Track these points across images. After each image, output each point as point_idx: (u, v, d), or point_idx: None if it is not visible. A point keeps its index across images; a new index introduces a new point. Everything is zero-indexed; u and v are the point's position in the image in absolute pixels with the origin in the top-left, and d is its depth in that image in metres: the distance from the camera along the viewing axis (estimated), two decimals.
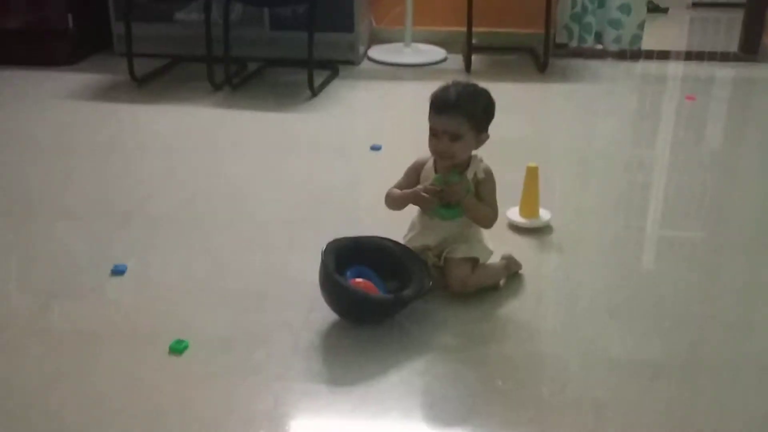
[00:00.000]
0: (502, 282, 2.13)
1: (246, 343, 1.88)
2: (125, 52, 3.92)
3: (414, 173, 2.12)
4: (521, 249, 2.29)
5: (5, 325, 1.95)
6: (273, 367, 1.79)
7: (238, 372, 1.78)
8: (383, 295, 1.95)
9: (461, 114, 1.96)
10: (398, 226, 2.17)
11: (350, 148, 3.19)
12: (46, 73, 4.09)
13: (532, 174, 2.44)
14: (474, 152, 2.07)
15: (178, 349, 1.83)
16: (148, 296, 2.09)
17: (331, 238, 2.04)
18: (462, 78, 2.21)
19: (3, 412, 1.64)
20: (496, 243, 2.16)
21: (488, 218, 2.07)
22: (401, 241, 2.13)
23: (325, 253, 1.95)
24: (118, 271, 2.18)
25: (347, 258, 1.99)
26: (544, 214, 2.46)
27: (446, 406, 1.68)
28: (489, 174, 2.07)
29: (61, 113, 3.57)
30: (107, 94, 3.84)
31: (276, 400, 1.69)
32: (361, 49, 4.48)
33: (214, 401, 1.68)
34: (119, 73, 4.02)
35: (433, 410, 1.68)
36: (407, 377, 1.77)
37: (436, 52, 4.55)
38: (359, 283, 1.94)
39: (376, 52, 4.56)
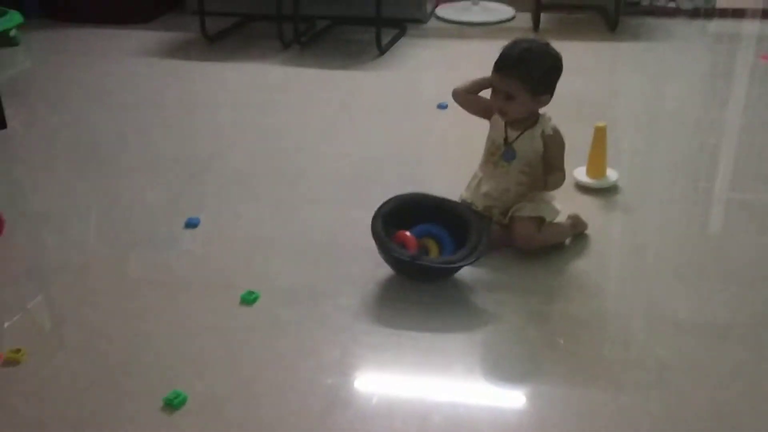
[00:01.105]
0: (567, 241, 2.13)
1: (314, 295, 1.94)
2: (197, 11, 3.99)
3: (483, 101, 2.12)
4: (587, 209, 2.28)
5: (85, 271, 2.06)
6: (340, 319, 1.85)
7: (306, 323, 1.84)
8: (430, 260, 1.96)
9: (515, 74, 1.97)
10: (463, 184, 2.19)
11: (417, 106, 3.20)
12: (122, 31, 4.19)
13: (600, 133, 2.41)
14: (542, 111, 2.07)
15: (249, 299, 1.90)
16: (219, 248, 2.16)
17: (395, 194, 2.08)
18: (530, 37, 2.18)
19: (82, 352, 1.74)
20: (562, 202, 2.16)
21: (554, 182, 2.08)
22: (463, 193, 2.15)
23: (378, 212, 2.00)
24: (191, 224, 2.26)
25: (408, 215, 2.02)
26: (612, 174, 2.44)
27: (509, 363, 1.71)
28: (557, 133, 2.07)
29: (137, 70, 3.66)
30: (179, 51, 3.92)
31: (343, 352, 1.74)
32: (429, 7, 4.45)
33: (284, 350, 1.75)
34: (191, 31, 4.10)
35: (497, 366, 1.71)
36: (471, 333, 1.81)
37: (503, 11, 4.50)
38: (407, 238, 1.97)
39: (444, 10, 4.53)
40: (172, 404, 1.55)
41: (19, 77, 3.59)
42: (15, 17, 3.91)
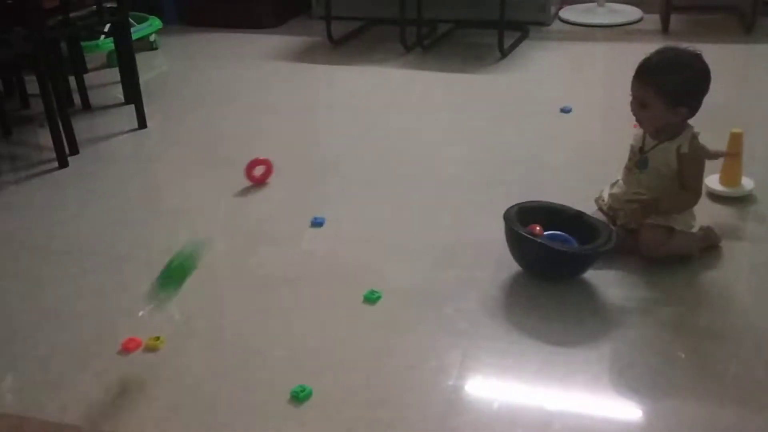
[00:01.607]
0: (696, 253, 2.06)
1: (435, 297, 1.95)
2: (324, 15, 4.09)
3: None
4: (720, 218, 2.20)
5: (214, 267, 2.14)
6: (461, 323, 1.86)
7: (427, 324, 1.86)
8: (567, 247, 1.94)
9: (649, 83, 1.93)
10: (581, 189, 2.16)
11: (539, 110, 3.17)
12: (252, 35, 4.36)
13: (735, 140, 2.32)
14: (690, 122, 2.01)
15: (372, 298, 1.94)
16: (344, 247, 2.22)
17: (518, 200, 2.07)
18: (658, 40, 2.12)
19: (214, 343, 1.83)
20: (694, 210, 2.08)
21: (682, 205, 2.02)
22: (605, 189, 2.14)
23: (509, 212, 2.00)
24: (317, 223, 2.33)
25: (533, 221, 2.01)
26: (747, 183, 2.34)
27: (635, 375, 1.67)
28: (695, 151, 1.99)
29: (264, 73, 3.80)
30: (305, 55, 4.04)
31: (464, 355, 1.75)
32: (552, 9, 4.39)
33: (405, 351, 1.77)
34: (317, 35, 4.21)
35: (621, 377, 1.67)
36: (594, 341, 1.78)
37: (630, 12, 4.38)
38: (537, 229, 1.96)
39: (568, 12, 4.46)
40: (299, 397, 1.61)
41: (157, 80, 3.79)
42: (155, 23, 4.14)
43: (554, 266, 1.97)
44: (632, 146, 2.08)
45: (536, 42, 4.05)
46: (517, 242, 1.97)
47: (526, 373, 1.70)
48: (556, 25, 4.38)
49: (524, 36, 4.10)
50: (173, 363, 1.76)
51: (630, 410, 1.60)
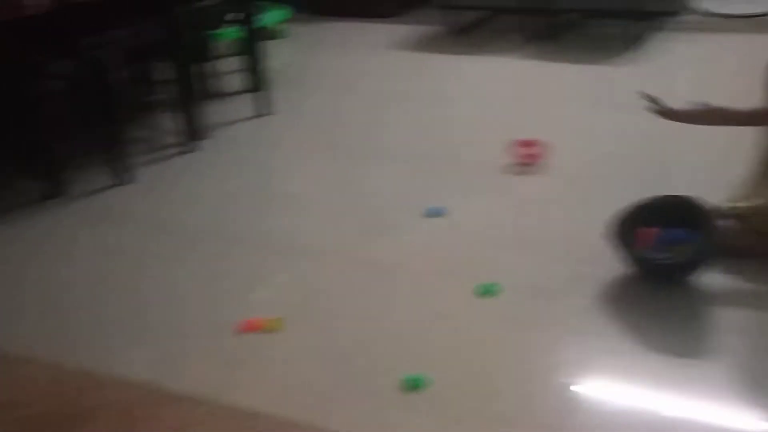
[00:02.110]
0: None
1: (552, 293, 1.91)
2: (445, 5, 4.07)
3: (744, 111, 1.95)
4: None
5: (331, 252, 2.18)
6: (580, 320, 1.80)
7: (543, 320, 1.82)
8: (666, 256, 1.87)
9: None
10: (704, 184, 2.05)
11: (670, 104, 3.02)
12: (376, 24, 4.39)
13: None
14: None
15: (488, 291, 1.91)
16: (461, 238, 2.20)
17: (640, 196, 1.99)
18: None
19: (330, 327, 1.85)
20: None
21: None
22: (731, 197, 2.02)
23: (622, 213, 1.93)
24: (434, 213, 2.31)
25: (650, 218, 1.93)
26: None
27: (763, 386, 1.57)
28: None
29: (385, 62, 3.82)
30: (426, 44, 4.03)
31: (579, 353, 1.70)
32: None
33: (520, 345, 1.74)
34: (438, 24, 4.19)
35: (751, 388, 1.58)
36: (723, 349, 1.68)
37: None
38: (644, 233, 1.88)
39: (704, 1, 4.24)
40: (411, 386, 1.61)
41: (285, 68, 3.87)
42: (282, 12, 4.23)
43: (654, 274, 1.89)
44: (766, 148, 1.94)
45: (668, 33, 3.88)
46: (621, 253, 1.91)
47: (644, 376, 1.63)
48: (690, 15, 4.17)
49: (655, 26, 3.93)
50: (290, 345, 1.80)
51: (755, 424, 1.51)
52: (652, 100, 2.01)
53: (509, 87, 3.38)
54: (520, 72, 3.55)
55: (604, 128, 2.86)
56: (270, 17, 4.13)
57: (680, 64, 3.50)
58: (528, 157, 2.55)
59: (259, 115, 3.22)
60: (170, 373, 1.72)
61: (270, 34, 4.19)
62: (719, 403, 1.55)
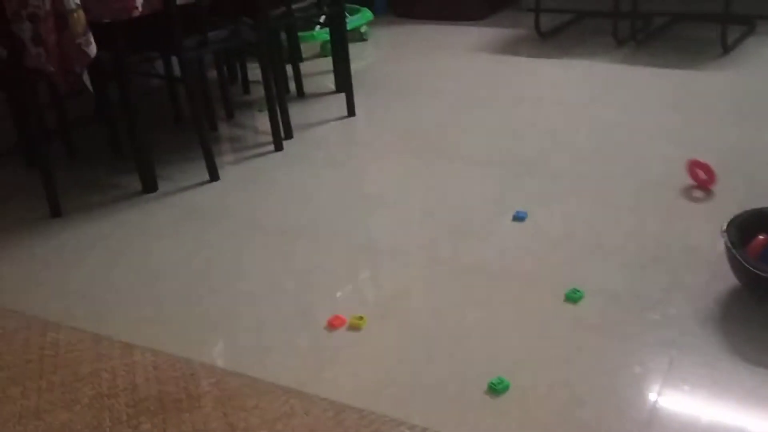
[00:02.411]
0: None
1: (641, 301, 1.88)
2: (533, 8, 4.04)
3: None
4: None
5: (415, 253, 2.20)
6: (668, 330, 1.77)
7: (631, 328, 1.79)
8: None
9: None
10: None
11: (765, 112, 2.94)
12: (460, 27, 4.40)
13: None
14: None
15: (574, 297, 1.90)
16: (545, 243, 2.18)
17: (732, 208, 1.94)
18: None
19: (414, 328, 1.87)
20: None
21: None
22: None
23: (728, 225, 1.86)
24: (519, 217, 2.31)
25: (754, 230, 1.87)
26: None
27: None
28: None
29: (470, 65, 3.81)
30: (512, 47, 4.01)
31: (669, 364, 1.67)
32: None
33: (607, 352, 1.72)
34: (525, 27, 4.17)
35: None
36: None
37: None
38: (756, 241, 1.82)
39: None
40: (496, 389, 1.61)
41: (366, 70, 3.92)
42: (366, 15, 4.28)
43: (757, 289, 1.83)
44: None
45: (764, 37, 3.76)
46: (730, 260, 1.85)
47: (736, 393, 1.59)
48: None
49: (751, 31, 3.82)
50: (374, 342, 1.82)
51: None
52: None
53: (596, 91, 3.33)
54: (608, 76, 3.50)
55: (694, 134, 2.79)
56: (356, 20, 4.19)
57: None
58: (703, 182, 2.41)
59: (343, 117, 3.27)
60: (264, 364, 1.77)
61: (355, 37, 4.25)
62: None
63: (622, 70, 3.54)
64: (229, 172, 2.83)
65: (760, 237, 1.84)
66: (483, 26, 4.40)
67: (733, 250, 1.81)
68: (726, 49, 3.56)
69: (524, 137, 2.95)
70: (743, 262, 1.78)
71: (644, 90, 3.30)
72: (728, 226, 1.88)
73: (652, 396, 1.59)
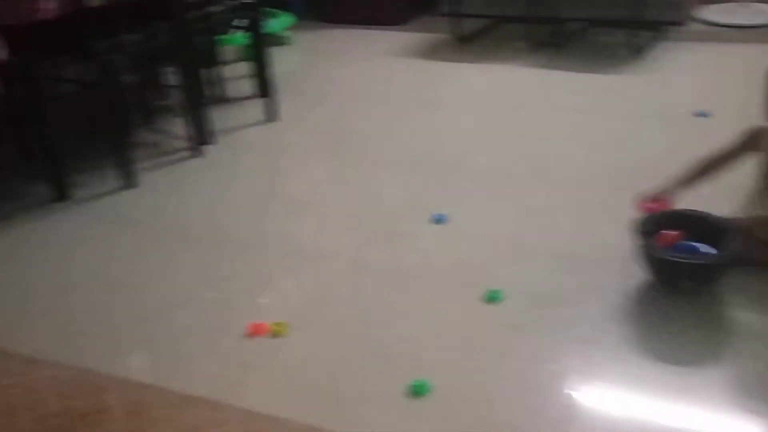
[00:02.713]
0: None
1: (557, 300, 1.92)
2: (451, 13, 4.09)
3: (752, 142, 1.99)
4: None
5: (337, 257, 2.20)
6: (582, 329, 1.82)
7: (548, 328, 1.83)
8: (690, 258, 1.88)
9: None
10: (714, 196, 2.07)
11: (672, 114, 3.05)
12: (380, 32, 4.41)
13: None
14: None
15: (493, 298, 1.93)
16: (465, 245, 2.21)
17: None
18: None
19: (335, 333, 1.87)
20: None
21: None
22: (734, 210, 2.03)
23: (639, 222, 1.94)
24: (438, 220, 2.33)
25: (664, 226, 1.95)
26: None
27: (763, 395, 1.59)
28: None
29: (391, 70, 3.84)
30: (432, 52, 4.05)
31: (584, 361, 1.72)
32: (689, 9, 4.21)
33: (525, 353, 1.75)
34: (445, 32, 4.21)
35: (756, 397, 1.59)
36: (729, 361, 1.70)
37: None
38: (665, 235, 1.90)
39: (707, 12, 4.26)
40: (417, 392, 1.63)
41: (289, 74, 3.89)
42: (287, 19, 4.26)
43: (673, 277, 1.90)
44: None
45: (671, 42, 3.90)
46: (642, 255, 1.92)
47: (647, 385, 1.64)
48: (695, 25, 4.19)
49: (659, 36, 3.96)
50: (295, 349, 1.82)
51: None
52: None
53: (513, 95, 3.40)
54: (525, 80, 3.57)
55: (608, 136, 2.88)
56: (276, 24, 4.16)
57: (683, 74, 3.52)
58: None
59: (265, 121, 3.24)
60: (180, 375, 1.74)
61: (276, 41, 4.22)
62: (721, 411, 1.56)
63: (539, 74, 3.62)
64: (147, 179, 2.77)
65: (675, 232, 1.91)
66: (403, 31, 4.42)
67: (642, 241, 1.89)
68: (636, 53, 3.68)
69: (445, 140, 2.98)
70: (647, 247, 1.87)
71: (561, 93, 3.38)
72: (644, 222, 1.95)
73: (567, 392, 1.63)
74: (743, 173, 2.05)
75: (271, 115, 3.25)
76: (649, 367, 1.69)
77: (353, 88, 3.64)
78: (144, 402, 1.65)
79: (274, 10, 4.23)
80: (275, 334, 1.86)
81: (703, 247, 1.90)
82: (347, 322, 1.92)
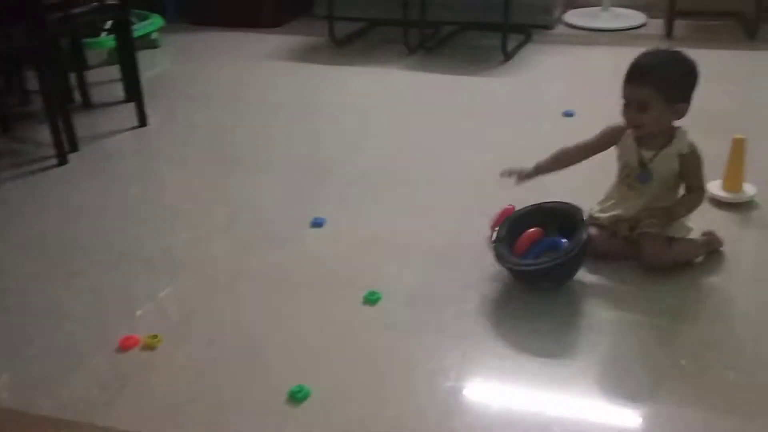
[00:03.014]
0: (698, 259, 2.05)
1: (435, 298, 1.95)
2: (326, 15, 4.08)
3: (608, 139, 2.08)
4: (722, 224, 2.19)
5: (213, 265, 2.15)
6: (460, 324, 1.85)
7: (426, 326, 1.85)
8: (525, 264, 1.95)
9: (649, 83, 1.91)
10: (584, 192, 2.16)
11: (542, 114, 3.16)
12: (255, 34, 4.35)
13: (737, 146, 2.31)
14: (679, 125, 2.00)
15: (371, 299, 1.93)
16: (343, 248, 2.21)
17: (520, 202, 2.07)
18: (662, 44, 2.12)
19: (212, 342, 1.82)
20: (696, 216, 2.08)
21: (693, 202, 2.02)
22: (594, 207, 2.11)
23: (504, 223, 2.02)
24: (316, 224, 2.32)
25: (523, 226, 2.02)
26: (749, 189, 2.33)
27: (632, 381, 1.66)
28: (693, 150, 1.99)
29: (266, 73, 3.79)
30: (308, 55, 4.03)
31: (462, 357, 1.74)
32: (556, 13, 4.39)
33: (404, 352, 1.76)
34: (320, 35, 4.20)
35: (619, 384, 1.66)
36: (595, 347, 1.77)
37: (635, 17, 4.37)
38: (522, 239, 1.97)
39: (572, 16, 4.45)
40: (296, 398, 1.60)
41: (159, 78, 3.78)
42: (156, 21, 4.13)
43: (531, 280, 1.97)
44: (626, 162, 2.05)
45: (540, 45, 4.05)
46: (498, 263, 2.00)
47: (524, 376, 1.69)
48: (560, 28, 4.37)
49: (528, 39, 4.10)
50: (171, 361, 1.75)
51: (628, 416, 1.59)
52: (510, 173, 2.12)
53: (389, 97, 3.43)
54: (400, 82, 3.61)
55: (482, 136, 2.95)
56: (144, 26, 4.03)
57: (551, 75, 3.66)
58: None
59: (135, 127, 3.13)
60: (45, 396, 1.64)
61: (145, 44, 4.09)
62: (589, 399, 1.62)
63: (413, 77, 3.67)
64: (6, 190, 2.62)
65: (530, 230, 1.97)
66: (278, 33, 4.38)
67: (493, 246, 1.97)
68: (507, 56, 3.79)
69: (322, 143, 2.97)
70: (499, 257, 1.95)
71: (435, 95, 3.44)
72: (504, 223, 2.01)
73: (447, 390, 1.65)
74: (605, 170, 2.14)
75: (141, 121, 3.13)
76: (523, 360, 1.73)
77: (228, 91, 3.57)
78: (4, 429, 1.55)
79: (143, 12, 4.10)
80: (148, 347, 1.79)
81: (566, 241, 1.96)
82: (225, 330, 1.87)
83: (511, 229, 2.02)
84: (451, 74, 3.66)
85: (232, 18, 4.46)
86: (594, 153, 2.12)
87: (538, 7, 4.26)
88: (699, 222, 2.09)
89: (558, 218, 2.02)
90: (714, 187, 2.33)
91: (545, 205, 2.08)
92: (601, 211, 2.10)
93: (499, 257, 1.96)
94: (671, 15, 4.06)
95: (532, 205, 2.09)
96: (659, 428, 1.54)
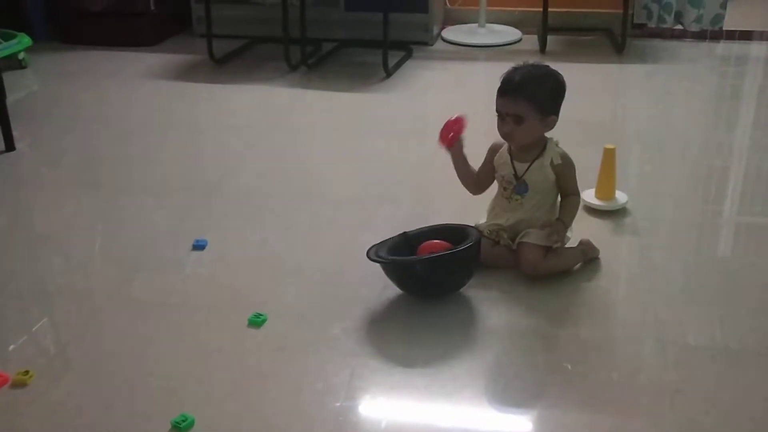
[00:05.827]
0: (576, 267, 2.12)
1: (321, 318, 1.92)
2: (205, 33, 4.01)
3: (490, 156, 2.14)
4: (596, 231, 2.27)
5: (90, 294, 2.05)
6: (348, 343, 1.83)
7: (314, 346, 1.82)
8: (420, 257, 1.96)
9: (523, 96, 1.97)
10: (470, 206, 2.19)
11: (423, 129, 3.20)
12: (130, 53, 4.22)
13: (609, 156, 2.41)
14: (549, 136, 2.07)
15: (256, 322, 1.89)
16: (227, 270, 2.15)
17: (404, 218, 2.10)
18: (536, 59, 2.18)
19: (89, 375, 1.73)
20: (573, 224, 2.14)
21: (576, 210, 2.10)
22: (479, 222, 2.15)
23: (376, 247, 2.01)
24: (198, 246, 2.25)
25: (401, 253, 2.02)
26: (621, 197, 2.43)
27: (518, 387, 1.69)
28: (566, 158, 2.06)
29: (143, 92, 3.68)
30: (187, 74, 3.94)
31: (351, 375, 1.73)
32: (435, 29, 4.47)
33: (292, 373, 1.73)
34: (198, 53, 4.12)
35: (506, 391, 1.69)
36: (480, 356, 1.79)
37: (510, 33, 4.52)
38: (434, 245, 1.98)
39: (450, 32, 4.55)
40: (180, 427, 1.54)
41: (27, 99, 3.60)
42: (24, 40, 3.94)
43: (414, 282, 1.99)
44: (503, 177, 2.09)
45: (420, 61, 4.11)
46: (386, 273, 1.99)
47: (413, 390, 1.69)
48: (439, 44, 4.46)
49: (408, 55, 4.15)
50: (44, 398, 1.65)
51: (514, 423, 1.62)
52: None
53: (272, 115, 3.39)
54: (282, 100, 3.58)
55: (366, 152, 2.96)
56: (11, 46, 3.84)
57: (432, 90, 3.73)
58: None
59: (1, 152, 2.96)
60: None
61: (12, 65, 3.89)
62: (486, 405, 1.65)
63: (296, 94, 3.65)
64: None
65: (434, 241, 1.99)
66: (155, 52, 4.26)
67: (372, 252, 1.97)
68: (388, 72, 3.83)
69: (203, 164, 2.90)
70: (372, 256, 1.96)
71: (318, 112, 3.42)
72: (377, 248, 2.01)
73: (336, 409, 1.62)
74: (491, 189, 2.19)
75: (7, 145, 2.97)
76: (411, 375, 1.73)
77: (104, 112, 3.44)
78: None
79: (9, 32, 3.90)
80: (18, 384, 1.68)
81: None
82: (105, 362, 1.78)
83: (401, 248, 2.01)
84: (333, 91, 3.66)
85: (105, 36, 4.31)
86: (490, 171, 2.16)
87: (417, 24, 4.33)
88: (575, 229, 2.16)
89: (455, 235, 2.03)
90: (588, 195, 2.42)
91: (438, 226, 2.10)
92: (485, 221, 2.14)
93: (386, 267, 1.95)
94: (544, 31, 4.21)
95: (427, 226, 2.10)
96: (544, 430, 1.58)
